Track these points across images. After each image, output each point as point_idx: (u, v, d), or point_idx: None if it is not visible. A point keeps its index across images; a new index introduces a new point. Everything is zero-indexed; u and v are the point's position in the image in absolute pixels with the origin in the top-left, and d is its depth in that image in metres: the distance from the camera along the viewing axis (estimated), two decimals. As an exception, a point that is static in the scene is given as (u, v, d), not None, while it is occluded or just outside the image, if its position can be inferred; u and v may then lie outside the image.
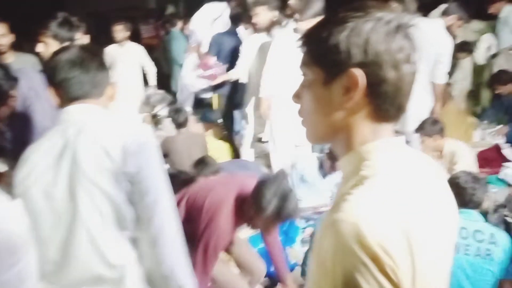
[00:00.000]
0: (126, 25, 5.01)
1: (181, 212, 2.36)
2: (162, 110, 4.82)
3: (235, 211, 2.24)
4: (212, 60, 4.10)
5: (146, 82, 5.37)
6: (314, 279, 0.77)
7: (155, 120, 4.97)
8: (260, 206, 2.13)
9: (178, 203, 2.39)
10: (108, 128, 1.37)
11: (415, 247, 0.73)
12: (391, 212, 0.73)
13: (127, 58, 4.95)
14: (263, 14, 3.60)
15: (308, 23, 3.27)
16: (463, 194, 2.47)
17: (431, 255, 0.78)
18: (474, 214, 2.48)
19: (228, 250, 2.49)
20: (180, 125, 3.93)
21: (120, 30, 4.96)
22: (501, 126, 4.59)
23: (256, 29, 3.78)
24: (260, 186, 2.17)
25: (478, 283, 2.36)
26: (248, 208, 2.21)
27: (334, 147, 0.86)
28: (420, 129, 3.47)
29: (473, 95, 5.48)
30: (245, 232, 2.78)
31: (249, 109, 4.00)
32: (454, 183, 2.53)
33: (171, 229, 1.40)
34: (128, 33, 5.01)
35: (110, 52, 4.82)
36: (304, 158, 3.52)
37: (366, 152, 0.79)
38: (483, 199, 2.52)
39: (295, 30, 3.40)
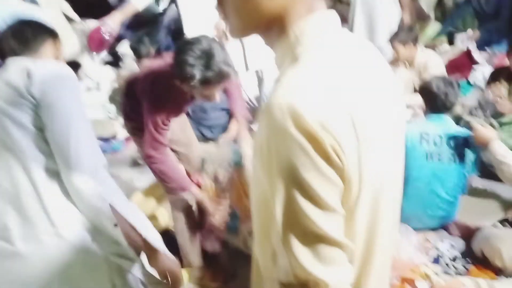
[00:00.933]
0: None
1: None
2: (121, 46, 4.52)
3: (162, 83, 2.00)
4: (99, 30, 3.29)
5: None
6: (253, 171, 0.70)
7: (115, 60, 4.67)
8: (185, 74, 1.85)
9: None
10: (20, 63, 1.40)
11: (361, 129, 0.66)
12: (330, 87, 0.65)
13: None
14: None
15: None
16: (436, 99, 2.44)
17: (379, 142, 0.71)
18: (446, 118, 2.48)
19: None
20: (142, 57, 3.71)
21: None
22: (471, 31, 4.50)
23: None
24: (179, 53, 1.88)
25: (449, 185, 2.41)
26: (175, 79, 1.93)
27: (267, 39, 0.77)
28: (395, 36, 3.46)
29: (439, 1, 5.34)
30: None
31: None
32: (427, 89, 2.50)
33: (87, 160, 1.34)
34: None
35: None
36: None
37: (299, 29, 0.71)
38: (455, 103, 2.50)
39: None
